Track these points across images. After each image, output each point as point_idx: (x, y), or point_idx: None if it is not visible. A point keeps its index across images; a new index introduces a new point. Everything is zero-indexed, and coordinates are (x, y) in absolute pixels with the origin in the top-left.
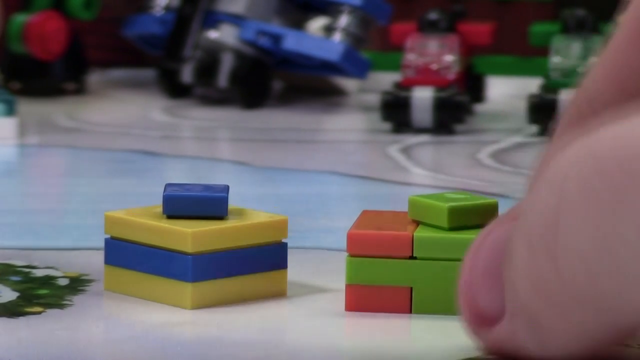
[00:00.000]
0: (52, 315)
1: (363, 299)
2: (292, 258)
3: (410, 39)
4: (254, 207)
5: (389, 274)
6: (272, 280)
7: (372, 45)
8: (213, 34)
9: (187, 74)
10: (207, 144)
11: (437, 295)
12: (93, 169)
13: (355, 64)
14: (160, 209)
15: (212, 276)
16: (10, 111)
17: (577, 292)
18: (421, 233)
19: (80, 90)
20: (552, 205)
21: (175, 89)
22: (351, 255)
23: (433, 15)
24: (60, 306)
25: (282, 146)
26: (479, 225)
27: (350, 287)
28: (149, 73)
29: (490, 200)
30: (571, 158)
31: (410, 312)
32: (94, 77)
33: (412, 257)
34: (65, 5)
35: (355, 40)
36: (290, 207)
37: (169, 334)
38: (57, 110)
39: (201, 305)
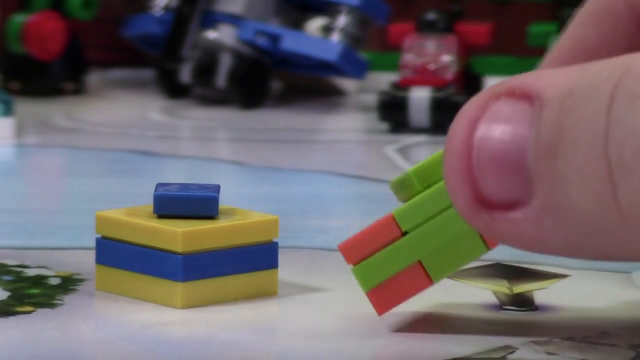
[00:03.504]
0: (42, 314)
1: (386, 296)
2: (283, 258)
3: (408, 39)
4: (250, 207)
5: (395, 261)
6: (262, 280)
7: (370, 46)
8: (211, 34)
9: (185, 74)
10: (205, 144)
11: (446, 255)
12: (91, 169)
13: (353, 64)
14: (151, 209)
15: (202, 276)
16: (8, 111)
17: None
18: (399, 208)
19: (79, 90)
20: None
21: (173, 89)
22: (354, 265)
23: (431, 16)
24: (51, 305)
25: (280, 146)
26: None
27: (370, 293)
28: (147, 73)
29: None
30: None
31: (432, 282)
32: (93, 77)
33: (404, 234)
34: (64, 5)
35: (353, 41)
36: (285, 207)
37: (159, 334)
38: (55, 110)
39: (191, 304)
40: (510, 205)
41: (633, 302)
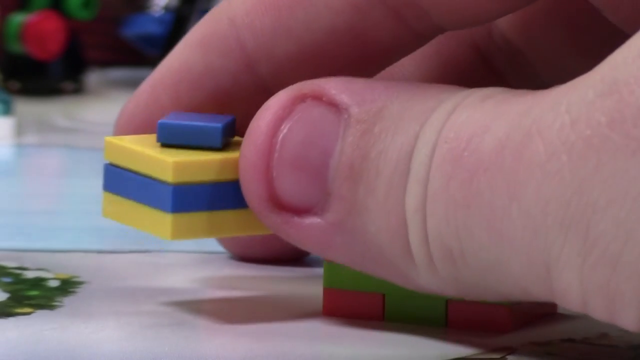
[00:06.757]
0: (41, 315)
1: (339, 303)
2: None
3: None
4: None
5: (363, 279)
6: (255, 218)
7: None
8: None
9: None
10: None
11: (409, 303)
12: (90, 169)
13: None
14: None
15: (194, 208)
16: (7, 111)
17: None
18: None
19: (78, 90)
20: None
21: None
22: (327, 260)
23: None
24: (50, 307)
25: None
26: None
27: (327, 291)
28: (147, 73)
29: None
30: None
31: (383, 319)
32: (92, 77)
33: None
34: (64, 4)
35: None
36: None
37: (158, 335)
38: (55, 110)
39: (182, 237)
40: (302, 211)
41: None
